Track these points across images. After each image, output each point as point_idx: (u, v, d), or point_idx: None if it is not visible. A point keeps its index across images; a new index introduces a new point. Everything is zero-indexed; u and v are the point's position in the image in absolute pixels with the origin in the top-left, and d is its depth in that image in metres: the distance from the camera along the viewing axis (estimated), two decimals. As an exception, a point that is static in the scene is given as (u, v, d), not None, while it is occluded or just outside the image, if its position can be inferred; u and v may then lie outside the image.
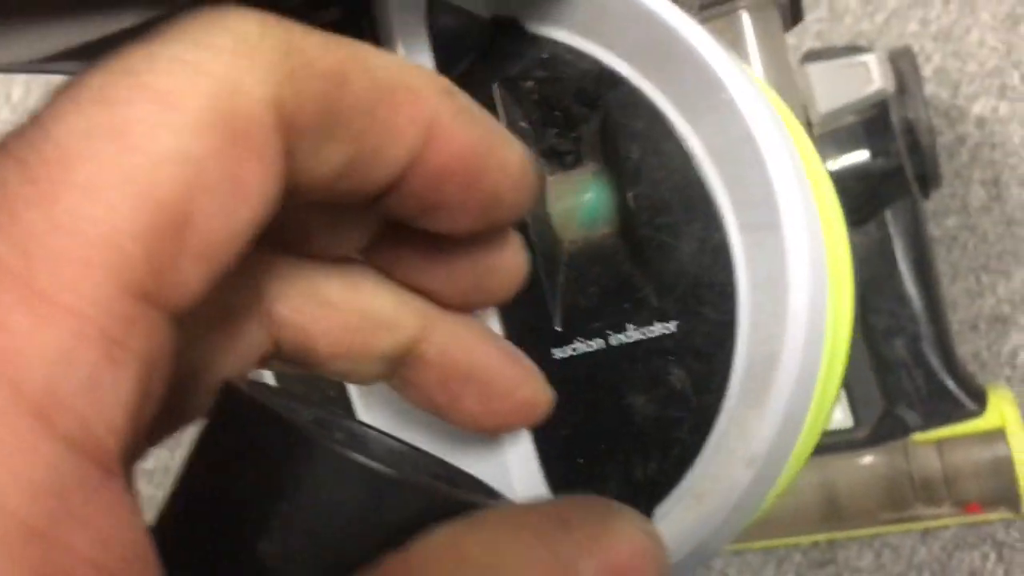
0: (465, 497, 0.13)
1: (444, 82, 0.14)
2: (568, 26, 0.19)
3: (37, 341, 0.10)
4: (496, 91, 0.19)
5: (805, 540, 0.58)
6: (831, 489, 0.55)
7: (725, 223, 0.18)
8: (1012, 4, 0.56)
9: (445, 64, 0.18)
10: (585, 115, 0.19)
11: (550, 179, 0.20)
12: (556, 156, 0.20)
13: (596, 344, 0.19)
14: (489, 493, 0.16)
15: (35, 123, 0.11)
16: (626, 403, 0.19)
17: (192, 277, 0.11)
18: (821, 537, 0.57)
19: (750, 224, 0.18)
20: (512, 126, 0.19)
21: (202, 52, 0.11)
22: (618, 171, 0.19)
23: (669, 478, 0.19)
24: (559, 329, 0.19)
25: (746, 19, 0.25)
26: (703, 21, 0.26)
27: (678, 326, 0.18)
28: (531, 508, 0.12)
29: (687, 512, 0.18)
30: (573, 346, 0.19)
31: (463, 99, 0.14)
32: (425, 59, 0.17)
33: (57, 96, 0.11)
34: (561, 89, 0.19)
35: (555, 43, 0.19)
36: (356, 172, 0.13)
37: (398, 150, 0.13)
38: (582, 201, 0.20)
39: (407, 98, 0.13)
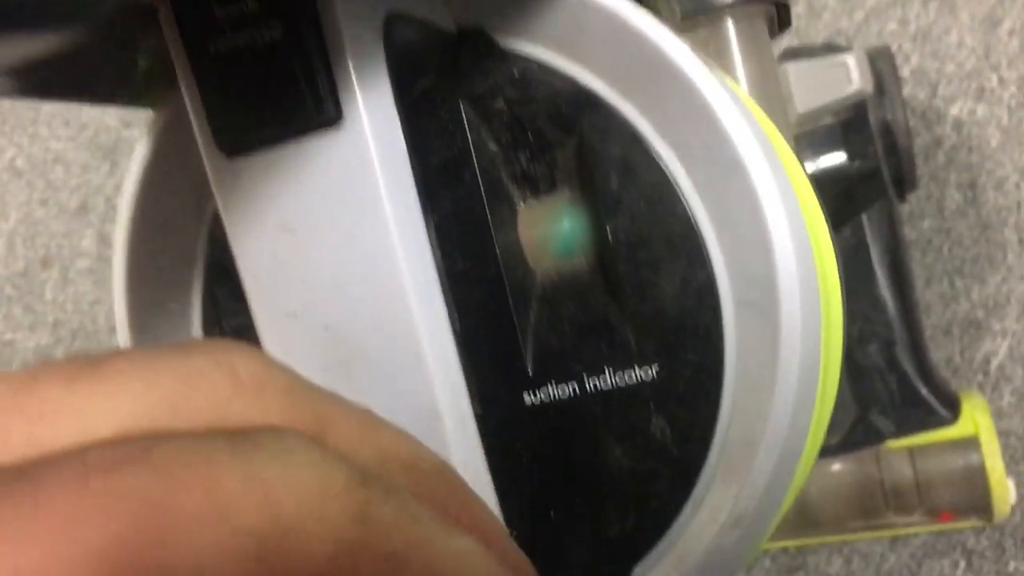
0: None
1: None
2: (542, 41, 0.17)
3: None
4: (463, 110, 0.17)
5: (775, 546, 0.57)
6: (802, 495, 0.54)
7: (712, 260, 0.17)
8: (992, 5, 0.55)
9: (406, 81, 0.16)
10: (560, 138, 0.17)
11: (522, 206, 0.18)
12: (529, 181, 0.18)
13: (570, 388, 0.17)
14: None
15: None
16: (602, 453, 0.17)
17: None
18: (791, 543, 0.56)
19: (739, 262, 0.16)
20: (480, 148, 0.18)
21: None
22: (596, 200, 0.17)
23: (648, 536, 0.17)
24: (531, 372, 0.18)
25: (731, 28, 0.23)
26: (686, 31, 0.25)
27: (659, 371, 0.17)
28: None
29: (667, 573, 0.17)
30: (545, 390, 0.18)
31: None
32: (381, 77, 0.15)
33: None
34: (534, 110, 0.17)
35: (528, 59, 0.17)
36: None
37: None
38: (556, 230, 0.18)
39: None
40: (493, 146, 0.18)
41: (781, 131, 0.22)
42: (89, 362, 0.11)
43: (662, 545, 0.17)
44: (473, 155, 0.17)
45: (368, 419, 0.12)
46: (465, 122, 0.17)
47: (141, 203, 0.18)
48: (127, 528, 0.10)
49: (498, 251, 0.18)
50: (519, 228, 0.18)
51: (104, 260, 0.71)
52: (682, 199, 0.17)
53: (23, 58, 0.13)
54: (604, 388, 0.17)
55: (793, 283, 0.16)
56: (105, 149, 0.71)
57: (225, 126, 0.14)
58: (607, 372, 0.17)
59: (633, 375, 0.17)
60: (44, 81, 0.14)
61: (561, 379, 0.18)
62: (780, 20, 0.26)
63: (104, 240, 0.72)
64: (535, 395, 0.18)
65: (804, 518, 0.55)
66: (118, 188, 0.71)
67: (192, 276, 0.19)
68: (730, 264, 0.17)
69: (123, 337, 0.18)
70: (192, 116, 0.15)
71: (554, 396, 0.18)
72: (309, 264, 0.15)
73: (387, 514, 0.11)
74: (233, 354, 0.11)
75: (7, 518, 0.09)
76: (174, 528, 0.10)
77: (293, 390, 0.12)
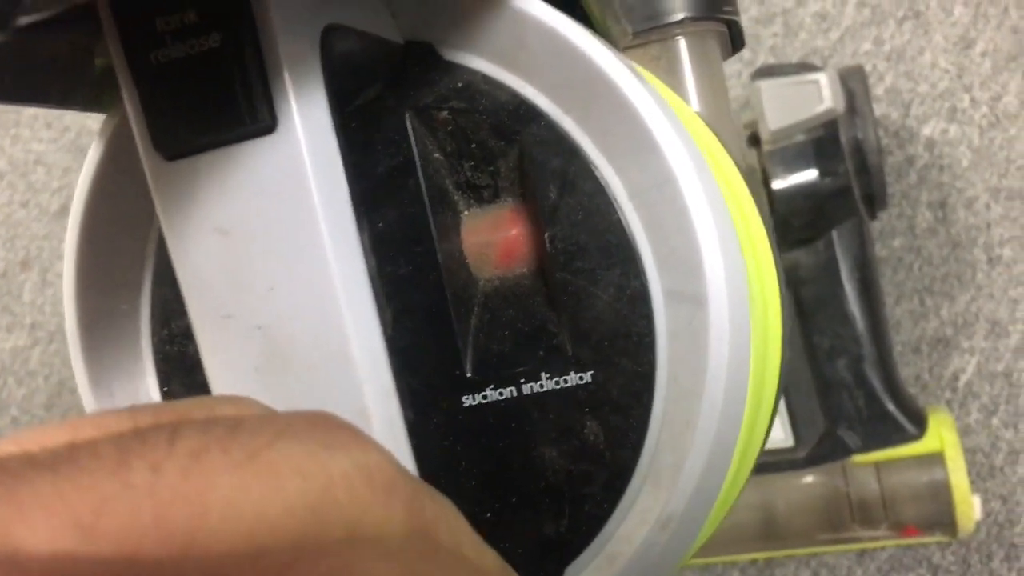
0: None
1: None
2: (486, 55, 0.18)
3: None
4: (409, 120, 0.18)
5: (743, 558, 0.58)
6: (770, 508, 0.55)
7: (645, 270, 0.17)
8: (965, 27, 0.56)
9: (347, 92, 0.17)
10: (502, 149, 0.18)
11: (465, 214, 0.19)
12: (472, 190, 0.19)
13: (508, 392, 0.18)
14: None
15: None
16: (537, 456, 0.18)
17: None
18: (759, 555, 0.57)
19: (671, 273, 0.17)
20: (425, 157, 0.18)
21: None
22: (536, 209, 0.18)
23: (581, 536, 0.18)
24: (470, 375, 0.18)
25: (682, 45, 0.24)
26: (638, 47, 0.25)
27: (593, 376, 0.17)
28: None
29: (599, 573, 0.17)
30: (484, 394, 0.18)
31: None
32: (316, 87, 0.15)
33: None
34: (477, 121, 0.18)
35: (472, 72, 0.18)
36: None
37: None
38: (499, 238, 0.19)
39: None
40: (438, 155, 0.18)
41: (730, 145, 0.22)
42: (249, 451, 0.12)
43: (594, 546, 0.18)
44: (418, 163, 0.18)
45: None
46: (410, 131, 0.18)
47: (92, 206, 0.18)
48: None
49: (440, 257, 0.18)
50: (462, 236, 0.19)
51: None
52: (617, 209, 0.17)
53: None
54: (540, 392, 0.18)
55: (722, 295, 0.16)
56: (87, 151, 0.71)
57: (164, 131, 0.15)
58: (543, 377, 0.18)
59: (568, 380, 0.18)
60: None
61: (499, 383, 0.18)
62: (733, 40, 0.26)
63: (85, 243, 0.72)
64: (473, 398, 0.18)
65: (772, 530, 0.55)
66: (99, 191, 0.71)
67: (142, 278, 0.19)
68: (663, 274, 0.17)
69: (72, 336, 0.19)
70: (132, 120, 0.15)
71: (492, 399, 0.18)
72: (243, 266, 0.15)
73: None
74: (371, 455, 0.12)
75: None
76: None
77: (418, 494, 0.13)
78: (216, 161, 0.15)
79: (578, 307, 0.17)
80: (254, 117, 0.15)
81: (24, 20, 0.10)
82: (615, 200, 0.17)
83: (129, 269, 0.19)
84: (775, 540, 0.55)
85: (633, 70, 0.17)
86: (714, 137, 0.21)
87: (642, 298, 0.17)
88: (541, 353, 0.18)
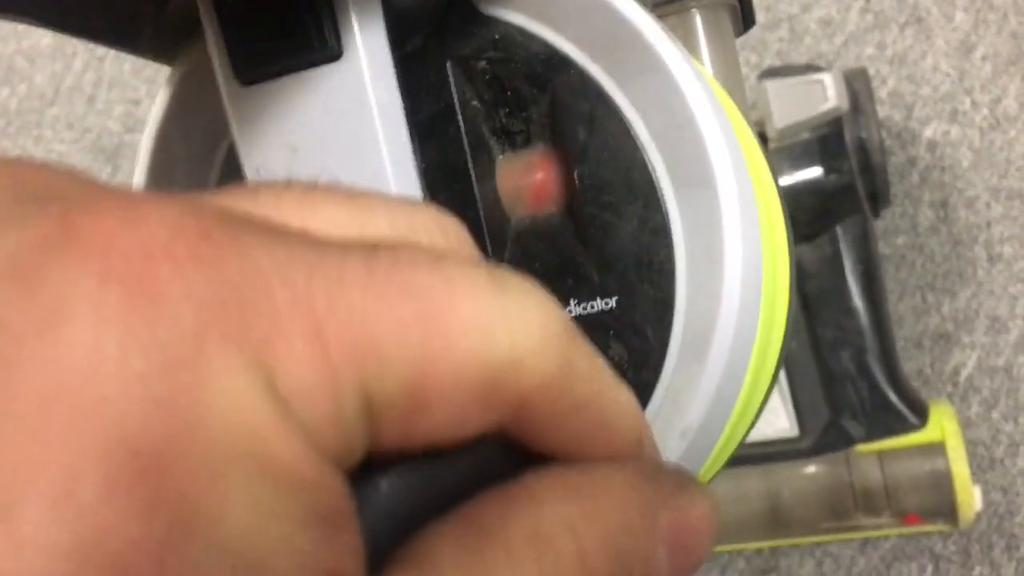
0: None
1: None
2: (521, 8, 0.19)
3: None
4: (450, 69, 0.20)
5: (749, 546, 0.59)
6: (775, 497, 0.56)
7: (666, 203, 0.19)
8: (966, 32, 0.58)
9: (399, 38, 0.18)
10: (535, 96, 0.20)
11: (500, 158, 0.20)
12: (507, 136, 0.20)
13: (538, 318, 0.19)
14: None
15: None
16: None
17: None
18: (765, 544, 0.58)
19: (689, 204, 0.19)
20: (465, 104, 0.20)
21: None
22: (565, 151, 0.19)
23: None
24: None
25: (698, 18, 0.26)
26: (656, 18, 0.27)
27: (618, 302, 0.19)
28: (627, 462, 0.13)
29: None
30: (516, 320, 0.20)
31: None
32: (378, 23, 0.17)
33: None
34: (512, 70, 0.20)
35: (507, 24, 0.19)
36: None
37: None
38: (531, 180, 0.20)
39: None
40: (475, 102, 0.20)
41: (743, 109, 0.24)
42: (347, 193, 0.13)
43: (617, 458, 0.19)
44: (458, 110, 0.20)
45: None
46: (451, 80, 0.20)
47: (160, 142, 0.20)
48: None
49: (478, 197, 0.20)
50: (497, 178, 0.20)
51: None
52: (641, 148, 0.19)
53: None
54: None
55: (735, 217, 0.18)
56: (108, 152, 0.73)
57: (242, 59, 0.17)
58: (572, 303, 0.19)
59: (595, 306, 0.19)
60: (78, 15, 0.16)
61: None
62: (745, 18, 0.28)
63: (105, 241, 0.73)
64: (506, 324, 0.20)
65: (777, 519, 0.56)
66: (121, 189, 0.73)
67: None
68: (681, 206, 0.19)
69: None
70: (213, 51, 0.17)
71: None
72: (311, 179, 0.17)
73: (582, 365, 0.13)
74: (444, 217, 0.13)
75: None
76: (444, 335, 0.11)
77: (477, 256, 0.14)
78: (288, 86, 0.17)
79: (604, 239, 0.19)
80: (323, 45, 0.16)
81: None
82: (639, 140, 0.19)
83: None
84: (780, 529, 0.56)
85: (656, 21, 0.19)
86: (727, 95, 0.23)
87: (663, 229, 0.19)
88: (570, 282, 0.19)
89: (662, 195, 0.19)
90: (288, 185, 0.13)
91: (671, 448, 0.18)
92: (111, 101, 0.74)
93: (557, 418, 0.12)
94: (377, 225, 0.13)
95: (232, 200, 0.12)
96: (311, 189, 0.13)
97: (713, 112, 0.18)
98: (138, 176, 0.20)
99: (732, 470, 0.54)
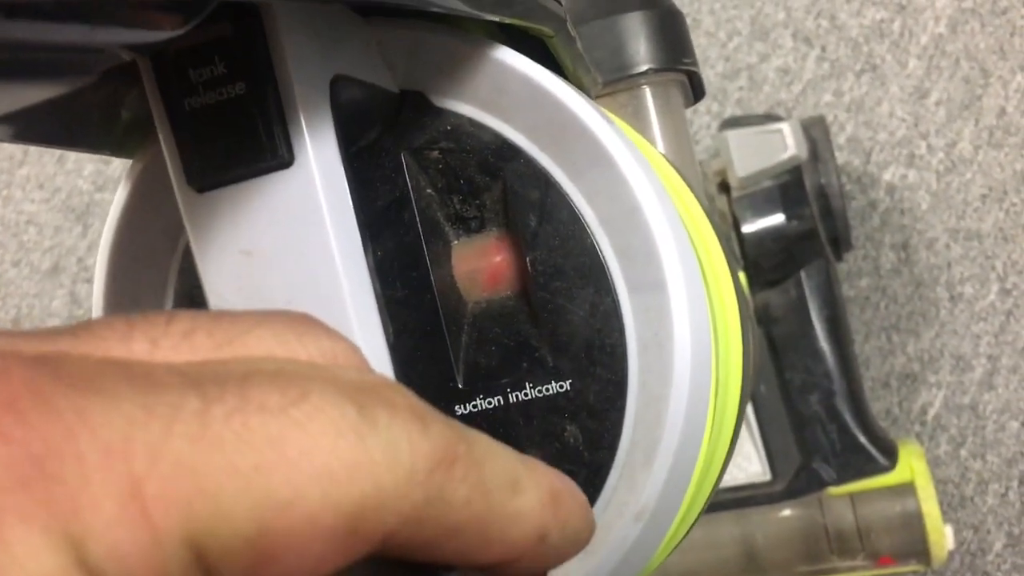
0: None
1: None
2: (471, 101, 0.20)
3: None
4: (404, 159, 0.20)
5: (726, 592, 0.59)
6: (750, 541, 0.56)
7: (616, 288, 0.19)
8: (920, 78, 0.59)
9: (353, 134, 0.19)
10: (488, 183, 0.20)
11: (455, 243, 0.21)
12: (461, 221, 0.21)
13: (496, 401, 0.20)
14: None
15: None
16: None
17: None
18: (741, 590, 0.58)
19: (638, 288, 0.19)
20: (419, 192, 0.20)
21: None
22: (518, 237, 0.20)
23: None
24: (462, 386, 0.20)
25: (648, 94, 0.26)
26: (608, 96, 0.28)
27: (572, 385, 0.20)
28: None
29: (578, 564, 0.19)
30: (474, 403, 0.20)
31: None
32: (327, 128, 0.18)
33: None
34: (465, 159, 0.20)
35: (459, 116, 0.20)
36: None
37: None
38: (485, 264, 0.21)
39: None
40: (430, 190, 0.20)
41: (692, 183, 0.25)
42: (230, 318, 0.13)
43: (576, 539, 0.20)
44: (412, 198, 0.20)
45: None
46: (405, 169, 0.20)
47: (119, 239, 0.20)
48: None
49: (434, 282, 0.20)
50: (453, 263, 0.21)
51: (75, 320, 0.72)
52: (590, 235, 0.19)
53: (21, 105, 0.15)
54: (525, 400, 0.20)
55: (683, 302, 0.18)
56: (78, 211, 0.73)
57: (196, 167, 0.17)
58: (527, 386, 0.20)
59: (550, 388, 0.20)
60: (38, 128, 0.17)
61: (487, 393, 0.20)
62: (694, 90, 0.29)
63: (75, 300, 0.73)
64: (464, 407, 0.20)
65: (753, 564, 0.56)
66: (90, 249, 0.73)
67: (164, 305, 0.21)
68: (631, 291, 0.19)
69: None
70: (168, 158, 0.18)
71: (481, 408, 0.20)
72: (264, 284, 0.17)
73: (460, 493, 0.12)
74: (328, 333, 0.13)
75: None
76: (290, 484, 0.11)
77: (358, 375, 0.13)
78: (241, 192, 0.17)
79: (557, 322, 0.20)
80: (274, 153, 0.17)
81: (105, 65, 0.12)
82: (588, 227, 0.19)
83: (152, 297, 0.21)
84: (756, 574, 0.56)
85: (601, 112, 0.19)
86: (675, 172, 0.23)
87: (614, 313, 0.19)
88: (525, 365, 0.20)
89: (612, 281, 0.19)
90: (169, 318, 0.12)
91: (626, 532, 0.19)
92: (81, 160, 0.74)
93: (429, 545, 0.12)
94: (250, 347, 0.12)
95: (87, 342, 0.12)
96: (194, 317, 0.12)
97: (659, 201, 0.19)
98: (99, 271, 0.20)
99: (706, 516, 0.54)
